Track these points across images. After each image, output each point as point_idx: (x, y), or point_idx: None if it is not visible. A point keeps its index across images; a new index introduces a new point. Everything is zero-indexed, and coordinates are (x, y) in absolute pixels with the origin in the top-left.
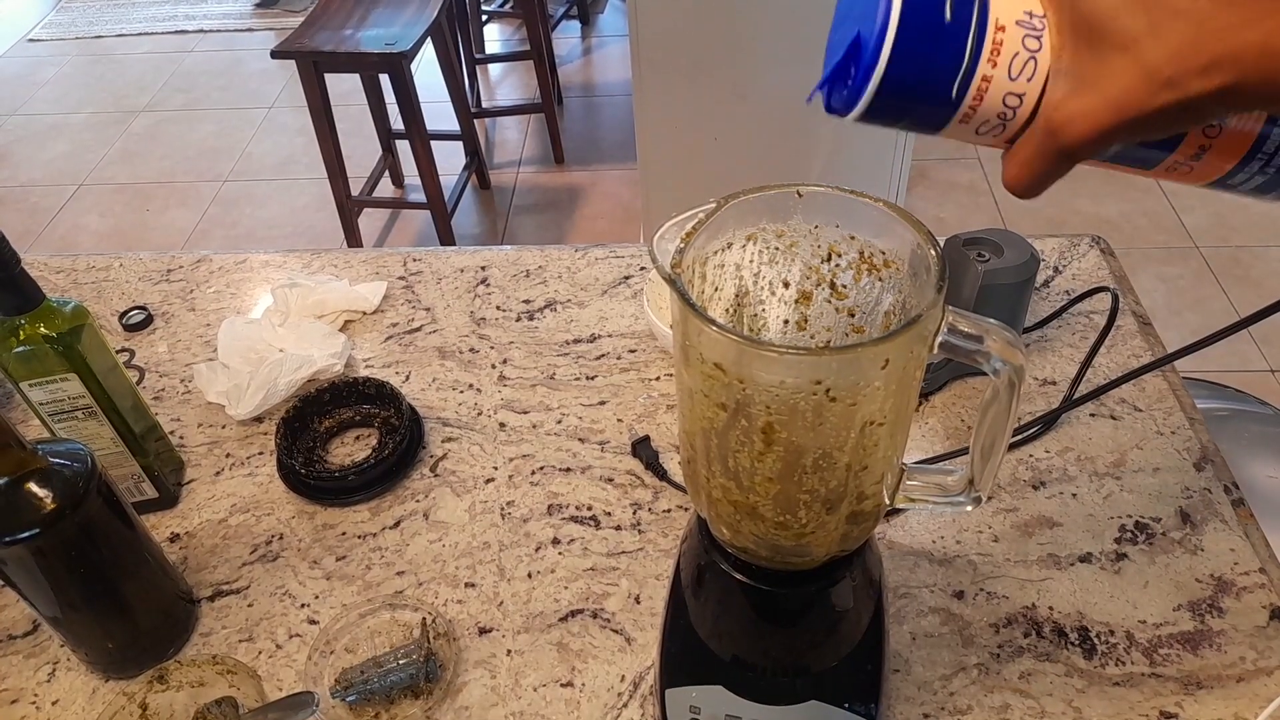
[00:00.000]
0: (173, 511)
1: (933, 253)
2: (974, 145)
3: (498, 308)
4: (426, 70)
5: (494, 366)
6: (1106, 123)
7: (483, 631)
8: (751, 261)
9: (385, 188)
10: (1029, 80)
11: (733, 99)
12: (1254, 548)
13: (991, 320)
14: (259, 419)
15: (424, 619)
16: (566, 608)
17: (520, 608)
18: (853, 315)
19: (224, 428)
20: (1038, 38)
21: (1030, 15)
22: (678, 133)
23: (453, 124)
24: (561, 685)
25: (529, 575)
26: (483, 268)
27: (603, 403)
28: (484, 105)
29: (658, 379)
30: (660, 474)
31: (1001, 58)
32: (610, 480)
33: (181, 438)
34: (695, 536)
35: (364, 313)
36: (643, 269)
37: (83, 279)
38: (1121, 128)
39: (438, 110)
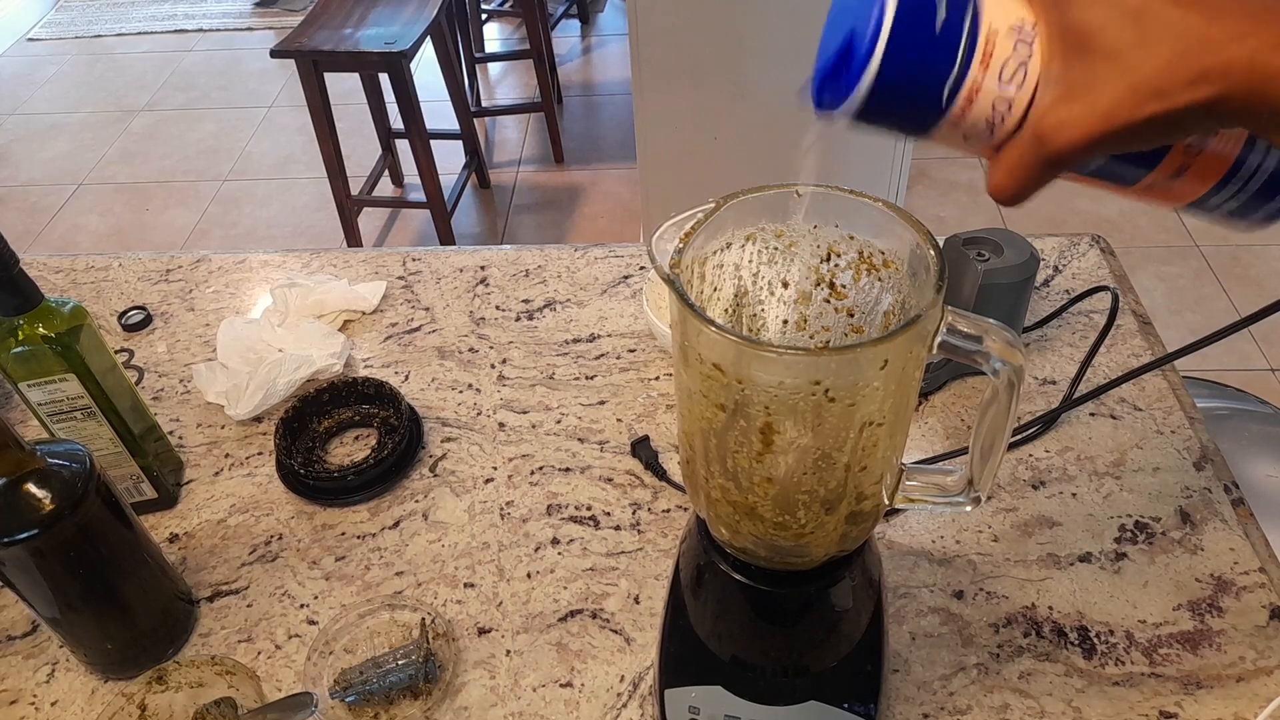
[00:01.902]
0: (172, 512)
1: (932, 252)
2: (962, 152)
3: (497, 307)
4: (426, 69)
5: (493, 366)
6: (1094, 130)
7: (482, 632)
8: (750, 261)
9: (385, 187)
10: (1019, 87)
11: (733, 99)
12: (1254, 547)
13: (991, 320)
14: (258, 419)
15: (423, 619)
16: (566, 608)
17: (519, 608)
18: (852, 315)
19: (223, 428)
20: (1029, 45)
21: (1022, 24)
22: (678, 132)
23: (452, 123)
24: (561, 685)
25: (528, 575)
26: (482, 267)
27: (602, 402)
28: (484, 104)
29: (657, 379)
30: (660, 474)
31: (993, 63)
32: (610, 480)
33: (180, 438)
34: (694, 537)
35: (363, 312)
36: (642, 268)
37: (82, 279)
38: (1109, 136)
39: (437, 109)
